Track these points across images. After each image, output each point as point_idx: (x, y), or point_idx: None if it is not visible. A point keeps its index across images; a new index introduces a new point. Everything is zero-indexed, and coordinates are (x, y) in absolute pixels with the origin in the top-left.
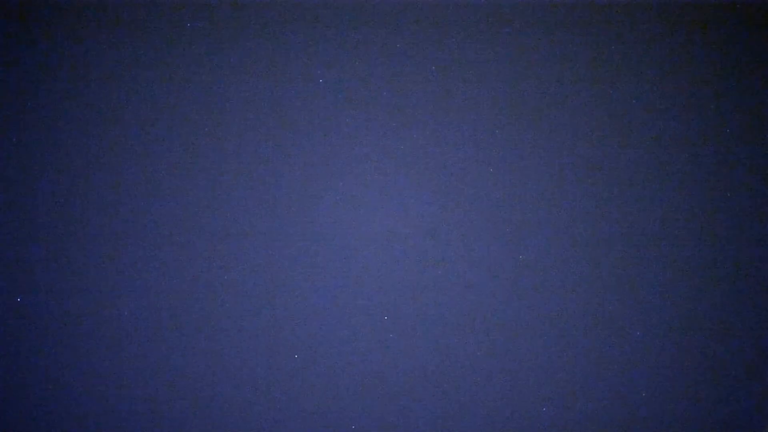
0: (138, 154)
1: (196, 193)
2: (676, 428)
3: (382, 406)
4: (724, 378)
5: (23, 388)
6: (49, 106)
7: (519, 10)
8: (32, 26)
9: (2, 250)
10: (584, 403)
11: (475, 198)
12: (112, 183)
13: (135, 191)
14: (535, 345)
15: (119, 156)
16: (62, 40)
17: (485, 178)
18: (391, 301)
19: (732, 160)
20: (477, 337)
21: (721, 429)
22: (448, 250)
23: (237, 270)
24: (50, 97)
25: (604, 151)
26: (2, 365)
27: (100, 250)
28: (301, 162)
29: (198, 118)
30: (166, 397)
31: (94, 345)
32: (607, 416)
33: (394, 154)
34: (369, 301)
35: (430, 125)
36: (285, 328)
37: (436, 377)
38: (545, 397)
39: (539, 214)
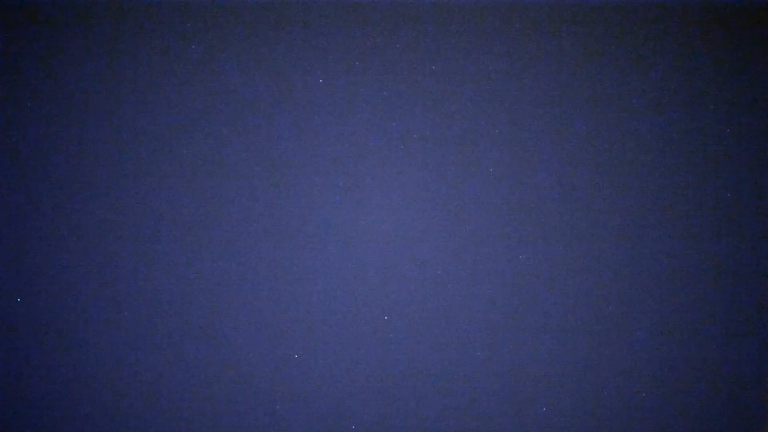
0: (138, 155)
1: (196, 194)
2: (676, 428)
3: (382, 406)
4: (724, 378)
5: (23, 388)
6: (49, 106)
7: (519, 10)
8: (32, 26)
9: (2, 251)
10: (584, 403)
11: (475, 198)
12: (112, 183)
13: (135, 191)
14: (535, 345)
15: (119, 156)
16: (61, 40)
17: (485, 178)
18: (391, 301)
19: (733, 160)
20: (477, 337)
21: (721, 429)
22: (449, 250)
23: (236, 270)
24: (50, 98)
25: (604, 151)
26: (2, 365)
27: (100, 250)
28: (302, 162)
29: (198, 118)
30: (165, 397)
31: (94, 345)
32: (607, 416)
33: (394, 154)
34: (369, 301)
35: (430, 125)
36: (285, 327)
37: (436, 377)
38: (545, 397)
39: (539, 214)
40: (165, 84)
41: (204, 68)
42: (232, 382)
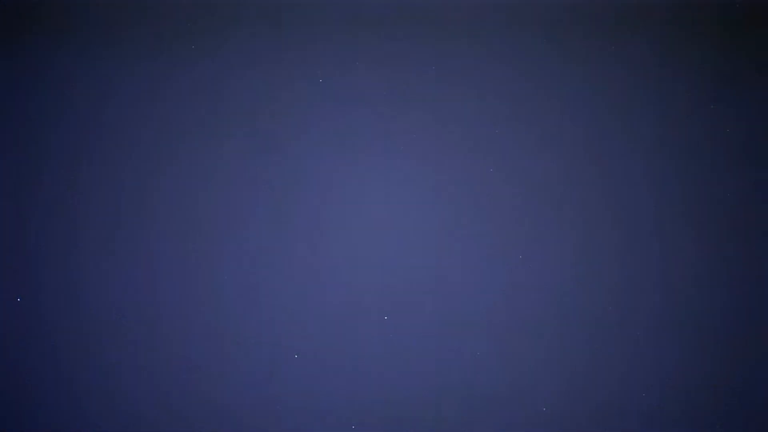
0: (137, 154)
1: (195, 193)
2: (677, 428)
3: (382, 406)
4: (724, 378)
5: (23, 389)
6: (48, 105)
7: (519, 10)
8: (31, 26)
9: (2, 251)
10: (584, 402)
11: (475, 197)
12: (112, 183)
13: (135, 191)
14: (535, 345)
15: (119, 156)
16: (60, 39)
17: (485, 178)
18: (391, 301)
19: (732, 159)
20: (477, 337)
21: (721, 429)
22: (448, 250)
23: (236, 270)
24: (50, 97)
25: (604, 151)
26: (2, 365)
27: (101, 250)
28: (301, 161)
29: (197, 117)
30: (165, 397)
31: (94, 345)
32: (607, 416)
33: (394, 155)
34: (369, 301)
35: (430, 125)
36: (285, 327)
37: (436, 377)
38: (545, 396)
39: (539, 213)
40: (164, 83)
41: (203, 68)
42: (232, 383)
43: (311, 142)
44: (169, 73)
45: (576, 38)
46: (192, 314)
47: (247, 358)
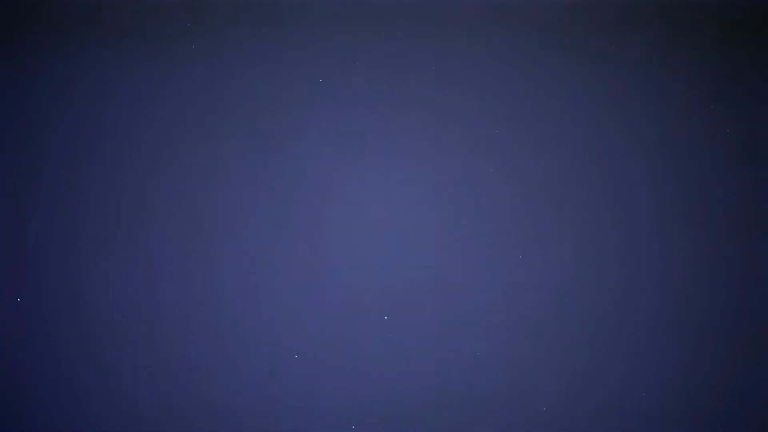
0: (137, 154)
1: (195, 193)
2: (677, 428)
3: (382, 406)
4: (724, 378)
5: (23, 389)
6: (48, 105)
7: (519, 10)
8: (30, 26)
9: (2, 250)
10: (584, 402)
11: (475, 197)
12: (112, 183)
13: (135, 191)
14: (535, 345)
15: (119, 157)
16: (60, 39)
17: (485, 178)
18: (391, 301)
19: (732, 159)
20: (477, 337)
21: (721, 429)
22: (448, 250)
23: (236, 270)
24: (50, 97)
25: (604, 151)
26: (2, 365)
27: (101, 250)
28: (301, 161)
29: (197, 117)
30: (165, 397)
31: (94, 345)
32: (607, 416)
33: (394, 155)
34: (369, 301)
35: (430, 125)
36: (285, 327)
37: (435, 377)
38: (545, 396)
39: (539, 213)
40: (164, 83)
41: (203, 68)
42: (232, 382)
43: (311, 142)
44: (169, 73)
45: (576, 38)
46: (192, 314)
47: (247, 358)
